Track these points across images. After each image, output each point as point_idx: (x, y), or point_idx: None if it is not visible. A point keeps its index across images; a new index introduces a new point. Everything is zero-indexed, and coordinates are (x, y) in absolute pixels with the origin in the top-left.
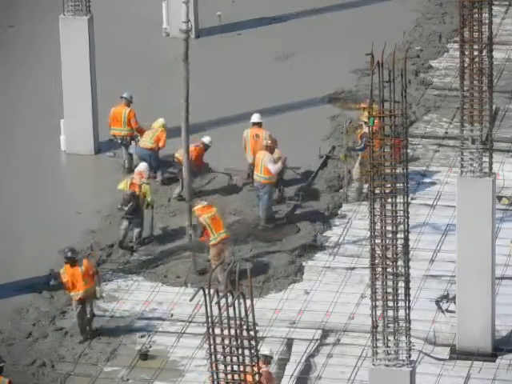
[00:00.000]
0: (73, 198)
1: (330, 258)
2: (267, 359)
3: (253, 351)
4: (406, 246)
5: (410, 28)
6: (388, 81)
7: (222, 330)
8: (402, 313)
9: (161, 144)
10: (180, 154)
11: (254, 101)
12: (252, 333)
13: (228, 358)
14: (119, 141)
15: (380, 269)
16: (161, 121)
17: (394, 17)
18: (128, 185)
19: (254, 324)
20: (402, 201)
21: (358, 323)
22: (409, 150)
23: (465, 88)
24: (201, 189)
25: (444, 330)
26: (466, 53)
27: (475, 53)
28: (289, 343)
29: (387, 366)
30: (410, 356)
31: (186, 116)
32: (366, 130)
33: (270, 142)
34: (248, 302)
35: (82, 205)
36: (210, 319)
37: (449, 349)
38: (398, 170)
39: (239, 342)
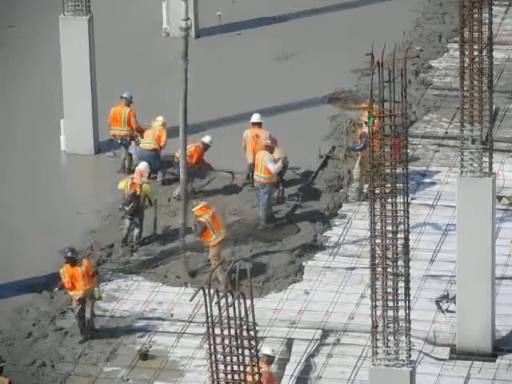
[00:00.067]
0: (73, 198)
1: (329, 258)
2: (269, 359)
3: (253, 351)
4: (406, 245)
5: (410, 28)
6: (388, 81)
7: (221, 330)
8: (402, 313)
9: (162, 143)
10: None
11: (253, 101)
12: (252, 333)
13: (228, 358)
14: (119, 141)
15: (380, 269)
16: (160, 119)
17: (394, 17)
18: (128, 185)
19: (254, 324)
20: (402, 201)
21: (358, 323)
22: (409, 150)
23: (465, 88)
24: (201, 189)
25: (444, 330)
26: (466, 53)
27: (475, 53)
28: (289, 343)
29: (387, 365)
30: (410, 356)
31: (183, 116)
32: (365, 129)
33: (269, 141)
34: (248, 301)
35: (82, 205)
36: (209, 319)
37: (449, 349)
38: (398, 170)
39: (239, 341)
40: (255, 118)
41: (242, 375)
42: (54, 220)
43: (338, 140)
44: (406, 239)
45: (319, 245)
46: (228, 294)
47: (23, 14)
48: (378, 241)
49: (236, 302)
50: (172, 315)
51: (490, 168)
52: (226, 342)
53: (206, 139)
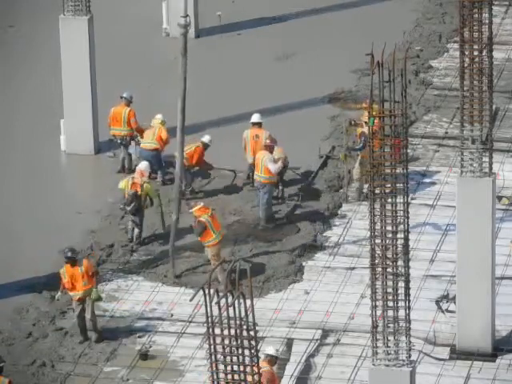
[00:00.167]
0: (73, 198)
1: (329, 258)
2: (272, 359)
3: (253, 351)
4: (406, 245)
5: (410, 28)
6: (388, 81)
7: (222, 330)
8: (402, 313)
9: (163, 140)
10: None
11: (254, 101)
12: (252, 333)
13: (228, 358)
14: (119, 141)
15: (380, 269)
16: (159, 117)
17: (394, 17)
18: (129, 184)
19: (254, 324)
20: (402, 201)
21: (358, 323)
22: (409, 150)
23: (465, 88)
24: (201, 189)
25: (444, 330)
26: (466, 53)
27: (475, 53)
28: (289, 343)
29: (387, 365)
30: (410, 356)
31: (182, 116)
32: (364, 129)
33: (269, 141)
34: (248, 301)
35: (82, 205)
36: (209, 319)
37: (449, 349)
38: (398, 170)
39: (239, 341)
40: (255, 118)
41: (242, 375)
42: (54, 220)
43: (338, 140)
44: (406, 239)
45: (319, 245)
46: (228, 294)
47: (23, 14)
48: (377, 241)
49: (236, 301)
50: (172, 315)
51: (490, 168)
52: (226, 342)
53: (206, 139)
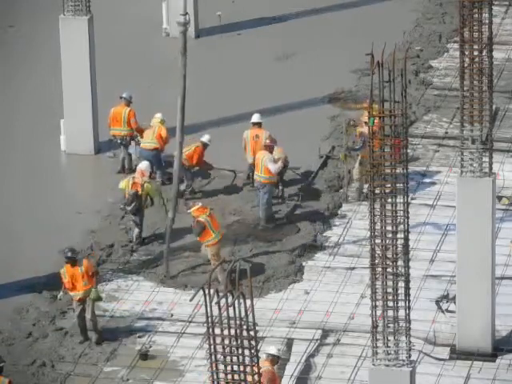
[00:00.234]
0: (73, 198)
1: (329, 258)
2: (274, 359)
3: (253, 351)
4: (406, 245)
5: (410, 28)
6: (388, 81)
7: (222, 330)
8: (402, 313)
9: (164, 140)
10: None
11: (254, 101)
12: (252, 333)
13: (228, 358)
14: (119, 141)
15: (380, 269)
16: (158, 116)
17: (394, 17)
18: (130, 184)
19: (254, 324)
20: (402, 201)
21: (358, 323)
22: (409, 150)
23: (465, 88)
24: (201, 189)
25: (444, 330)
26: (466, 53)
27: (475, 53)
28: (289, 343)
29: (387, 365)
30: (410, 356)
31: (181, 115)
32: (364, 129)
33: (268, 141)
34: (248, 301)
35: (82, 205)
36: (210, 319)
37: (449, 349)
38: (398, 170)
39: (239, 341)
40: (255, 118)
41: (242, 375)
42: (54, 220)
43: (338, 140)
44: (406, 239)
45: (319, 245)
46: (228, 294)
47: (23, 13)
48: (377, 241)
49: (236, 301)
50: (172, 315)
51: (490, 168)
52: (226, 342)
53: (205, 138)
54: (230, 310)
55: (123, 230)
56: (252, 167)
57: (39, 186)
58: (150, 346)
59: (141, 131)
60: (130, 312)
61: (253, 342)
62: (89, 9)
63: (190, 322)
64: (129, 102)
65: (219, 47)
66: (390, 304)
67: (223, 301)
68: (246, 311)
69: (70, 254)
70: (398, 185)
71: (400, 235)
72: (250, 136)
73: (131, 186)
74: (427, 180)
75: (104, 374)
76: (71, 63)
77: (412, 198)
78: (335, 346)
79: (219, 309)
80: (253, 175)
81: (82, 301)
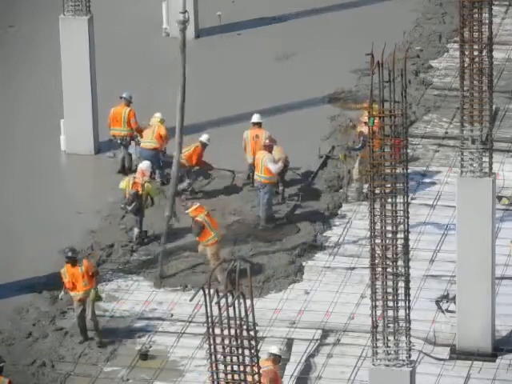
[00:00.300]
0: (73, 198)
1: (329, 258)
2: (276, 358)
3: (253, 351)
4: (406, 245)
5: (410, 28)
6: (388, 81)
7: (222, 330)
8: (402, 313)
9: (163, 139)
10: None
11: (254, 101)
12: (252, 333)
13: (228, 358)
14: (119, 141)
15: (380, 269)
16: (158, 115)
17: (394, 17)
18: (130, 184)
19: (254, 324)
20: (402, 201)
21: (358, 323)
22: (409, 150)
23: (465, 88)
24: (201, 189)
25: (444, 330)
26: (466, 53)
27: (475, 53)
28: (289, 343)
29: (387, 365)
30: (410, 356)
31: (181, 114)
32: (363, 129)
33: (267, 141)
34: (248, 301)
35: (82, 205)
36: (209, 319)
37: (449, 349)
38: (398, 170)
39: (239, 341)
40: (255, 118)
41: (242, 375)
42: (54, 220)
43: (338, 140)
44: (406, 239)
45: (319, 245)
46: (228, 294)
47: (23, 14)
48: (377, 241)
49: (236, 301)
50: (172, 315)
51: (490, 168)
52: (226, 342)
53: (204, 138)
54: (230, 310)
55: (123, 229)
56: (252, 167)
57: (39, 186)
58: (150, 346)
59: (141, 131)
60: (129, 312)
61: (253, 342)
62: (89, 9)
63: (190, 322)
64: (129, 102)
65: (219, 47)
66: (390, 304)
67: (223, 301)
68: (246, 311)
69: (70, 254)
70: (397, 185)
71: (400, 235)
72: (250, 136)
73: (131, 186)
74: (427, 180)
75: (104, 374)
76: (71, 63)
77: (412, 198)
78: (335, 345)
79: (219, 309)
80: (253, 175)
81: (83, 301)
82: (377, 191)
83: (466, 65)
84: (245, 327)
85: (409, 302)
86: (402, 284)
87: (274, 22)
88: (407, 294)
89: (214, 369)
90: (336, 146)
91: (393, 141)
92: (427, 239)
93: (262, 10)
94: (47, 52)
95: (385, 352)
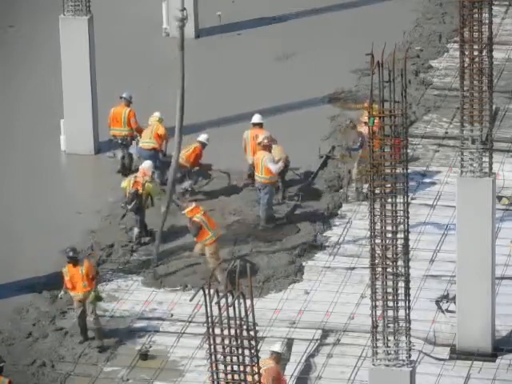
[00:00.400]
0: (73, 198)
1: (329, 258)
2: (278, 357)
3: (253, 351)
4: (406, 245)
5: (410, 28)
6: (388, 81)
7: (222, 330)
8: (402, 313)
9: (161, 138)
10: (180, 156)
11: (254, 101)
12: (252, 333)
13: (228, 358)
14: (119, 141)
15: (380, 269)
16: (156, 114)
17: (394, 17)
18: (131, 183)
19: (254, 324)
20: (402, 201)
21: (358, 323)
22: (409, 150)
23: (465, 88)
24: (200, 189)
25: (444, 330)
26: (466, 53)
27: (475, 53)
28: (289, 343)
29: (387, 365)
30: (410, 356)
31: (181, 113)
32: (362, 129)
33: (266, 141)
34: (248, 301)
35: (82, 205)
36: (209, 319)
37: (449, 349)
38: (398, 170)
39: (239, 341)
40: (256, 118)
41: (242, 375)
42: (54, 220)
43: (338, 140)
44: (406, 239)
45: (319, 245)
46: (228, 294)
47: (23, 14)
48: (377, 241)
49: (236, 301)
50: (172, 315)
51: (490, 168)
52: (226, 342)
53: (203, 138)
54: (230, 310)
55: (123, 229)
56: (252, 168)
57: (39, 186)
58: (150, 346)
59: (141, 131)
60: (130, 312)
61: (253, 342)
62: (89, 9)
63: (190, 322)
64: (129, 102)
65: (219, 47)
66: (390, 304)
67: (223, 301)
68: (246, 311)
69: (71, 254)
70: (397, 185)
71: (400, 235)
72: (250, 136)
73: (132, 185)
74: (427, 180)
75: (104, 374)
76: (71, 63)
77: (412, 198)
78: (335, 345)
79: (219, 309)
80: (253, 175)
81: (83, 302)
82: (377, 191)
83: (466, 65)
84: (245, 327)
85: (409, 302)
86: (401, 284)
87: (274, 22)
88: (407, 294)
89: (214, 369)
90: (336, 146)
91: (393, 141)
92: (427, 239)
93: (262, 10)
94: (47, 52)
95: (385, 352)
